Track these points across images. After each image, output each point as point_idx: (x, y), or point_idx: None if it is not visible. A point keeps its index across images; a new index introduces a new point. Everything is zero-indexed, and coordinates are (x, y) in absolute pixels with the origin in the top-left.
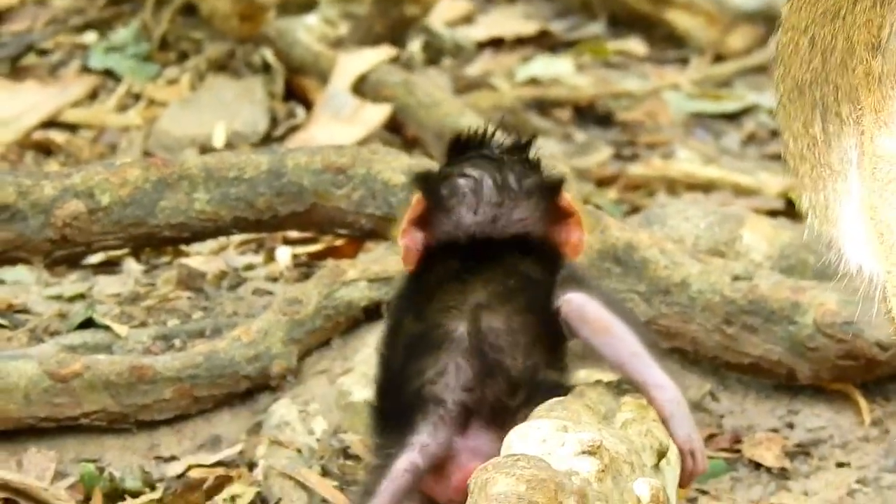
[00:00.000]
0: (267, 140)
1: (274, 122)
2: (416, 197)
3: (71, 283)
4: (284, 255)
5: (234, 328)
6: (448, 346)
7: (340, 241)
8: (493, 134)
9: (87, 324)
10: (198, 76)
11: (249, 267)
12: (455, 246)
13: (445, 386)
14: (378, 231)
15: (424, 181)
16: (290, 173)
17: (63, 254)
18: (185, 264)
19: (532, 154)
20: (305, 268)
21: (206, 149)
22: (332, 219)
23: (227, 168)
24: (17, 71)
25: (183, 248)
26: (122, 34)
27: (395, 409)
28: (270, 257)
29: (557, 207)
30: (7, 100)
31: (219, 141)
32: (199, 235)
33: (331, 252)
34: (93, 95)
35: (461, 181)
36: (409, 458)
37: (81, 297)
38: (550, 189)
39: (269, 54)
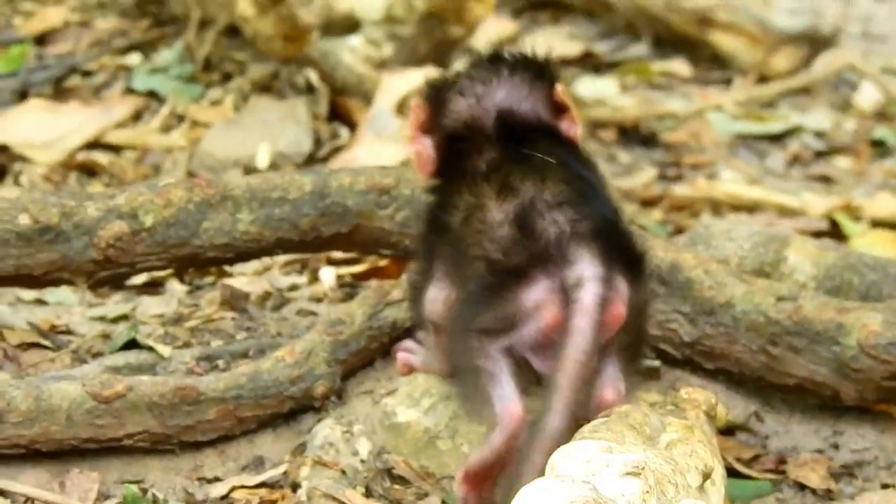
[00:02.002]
0: (311, 161)
1: (318, 142)
2: (417, 102)
3: (114, 304)
4: (328, 275)
5: (277, 349)
6: (565, 204)
7: (384, 262)
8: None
9: (131, 345)
10: (241, 97)
11: (293, 287)
12: (468, 140)
13: (585, 229)
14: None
15: (424, 87)
16: (334, 194)
17: (106, 275)
18: (229, 285)
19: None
20: (349, 288)
21: (249, 169)
22: (377, 239)
23: (271, 189)
24: (60, 92)
25: (227, 268)
26: (165, 55)
27: (525, 267)
28: (314, 278)
29: (552, 101)
30: (51, 121)
31: (263, 162)
32: (243, 256)
33: (375, 272)
34: (137, 116)
35: (458, 80)
36: (594, 290)
37: (125, 317)
38: (544, 81)
39: (312, 75)
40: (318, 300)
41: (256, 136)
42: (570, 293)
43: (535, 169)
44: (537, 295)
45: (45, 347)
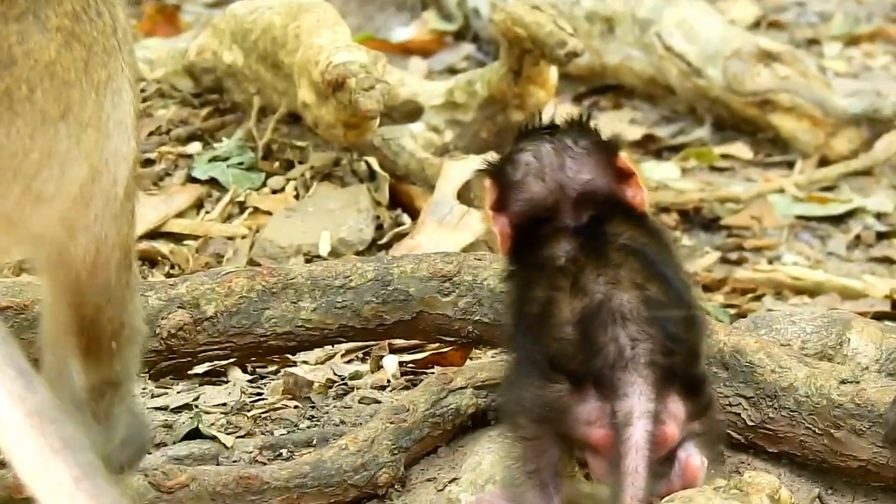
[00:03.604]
0: (372, 248)
1: (380, 229)
2: (485, 183)
3: (177, 393)
4: (391, 363)
5: (341, 437)
6: (630, 318)
7: (447, 349)
8: (553, 119)
9: (194, 434)
10: (303, 185)
11: (356, 376)
12: (541, 221)
13: (643, 352)
14: (485, 338)
15: (490, 167)
16: (396, 281)
17: (168, 364)
18: (292, 373)
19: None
20: (412, 376)
21: (311, 257)
22: (439, 326)
23: (333, 276)
24: None
25: (289, 357)
26: (226, 144)
27: (583, 377)
28: (377, 365)
29: (616, 167)
30: None
31: (324, 249)
32: (306, 344)
33: (437, 360)
34: (198, 205)
35: (522, 156)
36: (644, 427)
37: (188, 407)
38: (607, 149)
39: (374, 162)
40: (381, 388)
41: (318, 224)
42: (619, 426)
43: (608, 264)
44: (588, 413)
45: None
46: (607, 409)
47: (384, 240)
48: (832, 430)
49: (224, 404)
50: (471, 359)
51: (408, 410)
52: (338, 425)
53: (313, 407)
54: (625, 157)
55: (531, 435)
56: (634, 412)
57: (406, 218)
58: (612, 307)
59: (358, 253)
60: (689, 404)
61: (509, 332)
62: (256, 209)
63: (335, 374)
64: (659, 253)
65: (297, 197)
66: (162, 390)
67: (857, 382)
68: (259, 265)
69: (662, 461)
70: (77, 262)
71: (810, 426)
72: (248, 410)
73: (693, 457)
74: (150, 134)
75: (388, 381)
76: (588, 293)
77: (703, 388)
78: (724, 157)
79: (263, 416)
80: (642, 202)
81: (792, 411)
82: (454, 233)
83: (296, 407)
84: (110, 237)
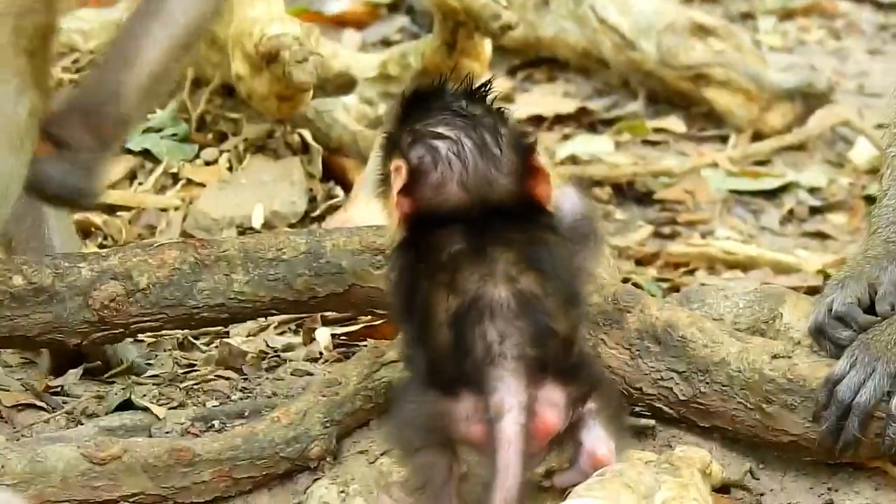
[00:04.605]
0: (305, 220)
1: (313, 202)
2: (398, 164)
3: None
4: (323, 335)
5: (273, 409)
6: (498, 313)
7: (379, 322)
8: (446, 82)
9: (126, 406)
10: (236, 157)
11: (288, 348)
12: (447, 214)
13: (512, 346)
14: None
15: (400, 145)
16: (328, 254)
17: (101, 336)
18: (224, 345)
19: (490, 98)
20: (344, 348)
21: (244, 229)
22: (371, 299)
23: (266, 249)
24: None
25: (221, 329)
26: (159, 115)
27: (455, 380)
28: (310, 338)
29: (530, 165)
30: None
31: (257, 221)
32: (238, 317)
33: (370, 332)
34: (131, 177)
35: (439, 143)
36: (514, 420)
37: (120, 378)
38: (525, 148)
39: (307, 134)
40: (314, 360)
41: (251, 196)
42: (491, 421)
43: (485, 260)
44: (464, 412)
45: (40, 409)
46: (481, 405)
47: (317, 212)
48: (764, 405)
49: (156, 375)
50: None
51: (340, 383)
52: (270, 397)
53: (246, 379)
54: (540, 157)
55: (416, 447)
56: (504, 406)
57: (339, 191)
58: (481, 305)
59: (291, 225)
60: (570, 389)
61: (402, 333)
62: (190, 181)
63: (268, 347)
64: (542, 245)
65: (230, 169)
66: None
67: (790, 357)
68: (192, 237)
69: (565, 445)
70: None
71: (742, 401)
72: (181, 382)
73: (598, 445)
74: None
75: (321, 354)
76: (462, 292)
77: (583, 371)
78: (658, 130)
79: (196, 387)
80: (549, 196)
81: (724, 386)
82: None
83: (228, 379)
84: None
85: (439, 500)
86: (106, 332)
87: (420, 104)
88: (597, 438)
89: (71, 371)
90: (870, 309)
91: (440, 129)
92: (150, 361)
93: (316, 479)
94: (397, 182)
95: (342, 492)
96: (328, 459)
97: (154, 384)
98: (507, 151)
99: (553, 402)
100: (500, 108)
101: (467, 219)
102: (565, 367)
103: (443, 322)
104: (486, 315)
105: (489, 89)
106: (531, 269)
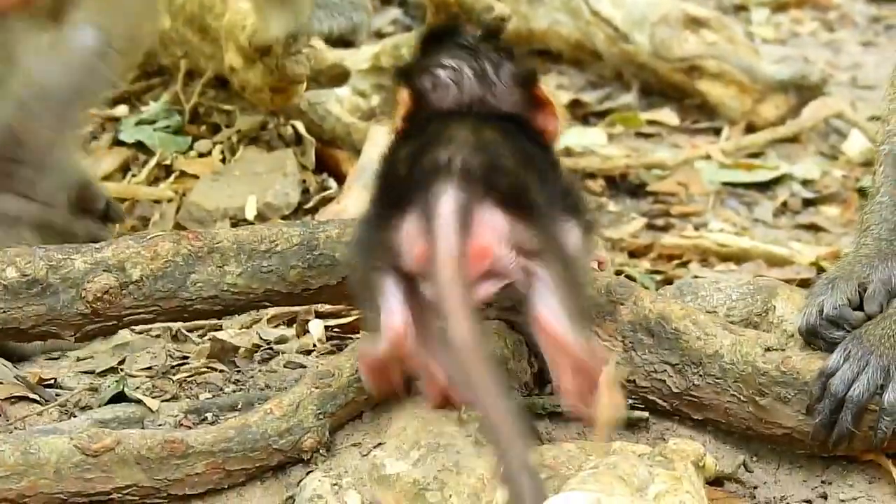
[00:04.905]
0: (299, 212)
1: (306, 194)
2: (402, 93)
3: (102, 356)
4: (317, 328)
5: (266, 402)
6: (455, 142)
7: None
8: (463, 25)
9: (119, 398)
10: (229, 149)
11: (282, 340)
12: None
13: (458, 161)
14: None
15: (406, 75)
16: (322, 246)
17: (94, 328)
18: (218, 338)
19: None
20: (338, 340)
21: (237, 221)
22: None
23: (259, 241)
24: None
25: (215, 321)
26: (153, 107)
27: (402, 199)
28: (303, 330)
29: (534, 97)
30: None
31: (251, 213)
32: (231, 309)
33: (363, 325)
34: (124, 168)
35: (441, 72)
36: (449, 219)
37: (113, 370)
38: (526, 79)
39: (300, 126)
40: (307, 353)
41: (244, 188)
42: (431, 222)
43: (475, 130)
44: (407, 226)
45: (33, 401)
46: (423, 218)
47: (310, 204)
48: (757, 398)
49: (149, 368)
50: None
51: (333, 375)
52: (263, 390)
53: (239, 371)
54: (543, 88)
55: (370, 265)
56: (440, 207)
57: (332, 182)
58: (442, 138)
59: (284, 217)
60: (513, 222)
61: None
62: (183, 173)
63: (261, 339)
64: (535, 152)
65: (223, 161)
66: (87, 354)
67: (783, 350)
68: (185, 229)
69: (512, 295)
70: None
71: (735, 393)
72: (174, 374)
73: (548, 314)
74: None
75: (314, 346)
76: (430, 134)
77: (537, 221)
78: (651, 122)
79: (189, 379)
80: (556, 129)
81: (717, 378)
82: None
83: (221, 371)
84: None
85: (390, 301)
86: (99, 324)
87: (434, 41)
88: (547, 307)
89: (65, 363)
90: (860, 307)
91: (444, 60)
92: None
93: (309, 472)
94: (401, 108)
95: (335, 484)
96: (321, 452)
97: (147, 376)
98: (508, 81)
99: (491, 225)
100: (508, 46)
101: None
102: (513, 200)
103: (404, 157)
104: (444, 143)
105: (501, 30)
106: (507, 143)
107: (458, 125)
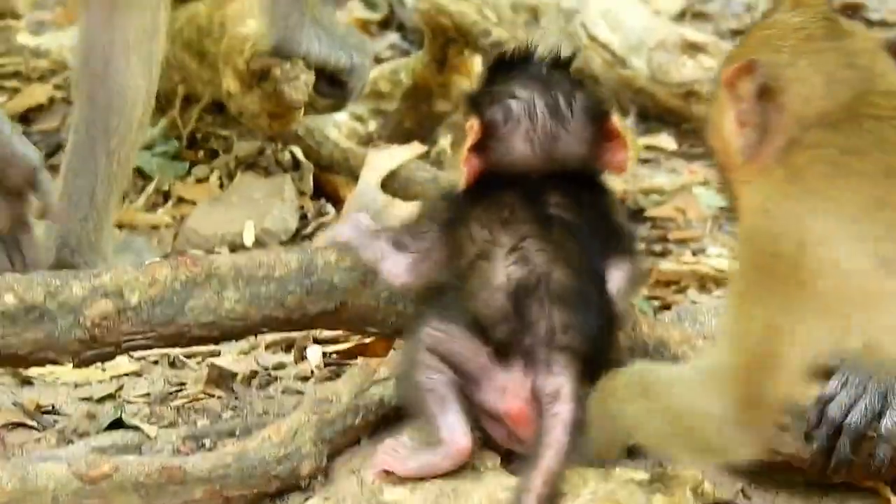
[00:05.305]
0: (297, 237)
1: (304, 219)
2: (472, 122)
3: (99, 383)
4: (315, 354)
5: (264, 428)
6: (560, 300)
7: (371, 340)
8: (536, 49)
9: (117, 424)
10: (227, 174)
11: (280, 366)
12: (513, 172)
13: (573, 339)
14: (409, 328)
15: (478, 104)
16: (319, 271)
17: (92, 354)
18: (215, 364)
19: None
20: (336, 367)
21: (235, 247)
22: (363, 317)
23: (257, 266)
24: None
25: (213, 347)
26: (150, 132)
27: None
28: (301, 356)
29: (605, 129)
30: None
31: (249, 239)
32: (229, 335)
33: (361, 350)
34: (122, 194)
35: (514, 103)
36: (572, 409)
37: (111, 397)
38: (600, 112)
39: (298, 152)
40: (305, 379)
41: (242, 214)
42: (544, 400)
43: (551, 239)
44: (510, 380)
45: (31, 427)
46: (531, 381)
47: (308, 229)
48: None
49: (147, 394)
50: (394, 349)
51: (331, 401)
52: (261, 416)
53: (236, 397)
54: (615, 121)
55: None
56: (564, 390)
57: (330, 208)
58: (548, 286)
59: (282, 243)
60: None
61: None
62: (181, 198)
63: (259, 365)
64: (598, 244)
65: (221, 186)
66: (85, 380)
67: None
68: (183, 255)
69: None
70: None
71: None
72: (172, 400)
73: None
74: None
75: (312, 372)
76: (527, 263)
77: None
78: (649, 148)
79: (186, 406)
80: (623, 163)
81: None
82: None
83: (219, 397)
84: None
85: (452, 415)
86: (97, 350)
87: (504, 69)
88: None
89: (62, 389)
90: None
91: (516, 91)
92: None
93: (307, 498)
94: (469, 139)
95: None
96: (319, 478)
97: (145, 403)
98: (580, 114)
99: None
100: (580, 77)
101: (531, 182)
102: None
103: (501, 288)
104: (553, 301)
105: (574, 59)
106: (586, 266)
107: (535, 217)
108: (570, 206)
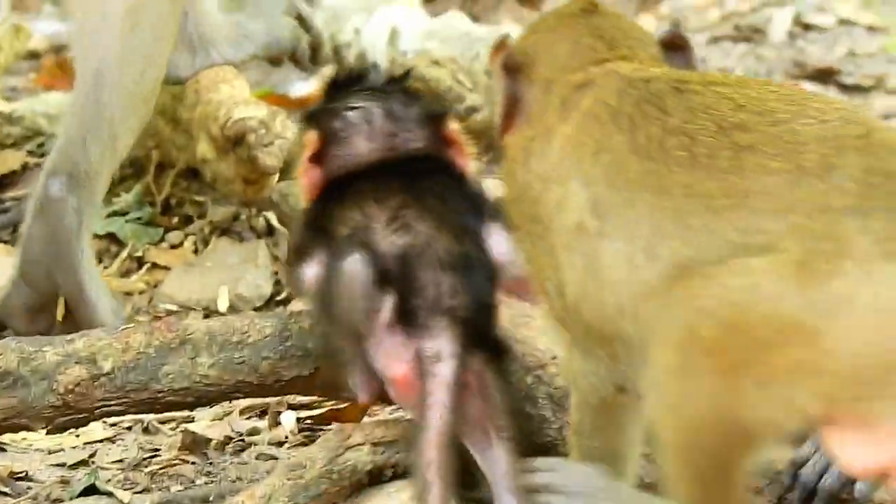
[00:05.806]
0: (271, 303)
1: (278, 285)
2: (310, 135)
3: (72, 449)
4: (289, 419)
5: (238, 493)
6: (446, 266)
7: (345, 405)
8: (369, 70)
9: (91, 490)
10: (201, 240)
11: (254, 432)
12: (363, 168)
13: (459, 303)
14: (383, 394)
15: (315, 119)
16: (294, 337)
17: (66, 420)
18: (189, 429)
19: (409, 85)
20: (310, 432)
21: (210, 312)
22: (337, 382)
23: (231, 332)
24: (20, 237)
25: (187, 413)
26: (124, 199)
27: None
28: (275, 421)
29: (443, 136)
30: (9, 267)
31: (223, 305)
32: (203, 400)
33: (335, 416)
34: (96, 260)
35: (350, 113)
36: (452, 369)
37: (84, 463)
38: (436, 117)
39: (272, 217)
40: (279, 444)
41: (216, 279)
42: (426, 363)
43: (429, 209)
44: (394, 345)
45: (4, 494)
46: (414, 344)
47: (282, 295)
48: None
49: (121, 460)
50: (368, 415)
51: (305, 467)
52: (234, 482)
53: (210, 463)
54: (452, 126)
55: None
56: (444, 351)
57: None
58: (436, 251)
59: (256, 308)
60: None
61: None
62: (155, 264)
63: (233, 430)
64: (471, 213)
65: (195, 252)
66: (58, 446)
67: None
68: (158, 320)
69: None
70: None
71: None
72: (145, 466)
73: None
74: None
75: (286, 438)
76: (410, 230)
77: (504, 352)
78: None
79: (160, 472)
80: (466, 164)
81: None
82: None
83: (193, 463)
84: None
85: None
86: (71, 416)
87: (340, 88)
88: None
89: (36, 455)
90: None
91: (352, 102)
92: None
93: None
94: (307, 150)
95: None
96: None
97: (118, 469)
98: (417, 118)
99: (474, 371)
100: (417, 89)
101: (387, 166)
102: (490, 343)
103: (387, 254)
104: (440, 266)
105: (408, 76)
106: (469, 234)
107: (405, 189)
108: (433, 179)
